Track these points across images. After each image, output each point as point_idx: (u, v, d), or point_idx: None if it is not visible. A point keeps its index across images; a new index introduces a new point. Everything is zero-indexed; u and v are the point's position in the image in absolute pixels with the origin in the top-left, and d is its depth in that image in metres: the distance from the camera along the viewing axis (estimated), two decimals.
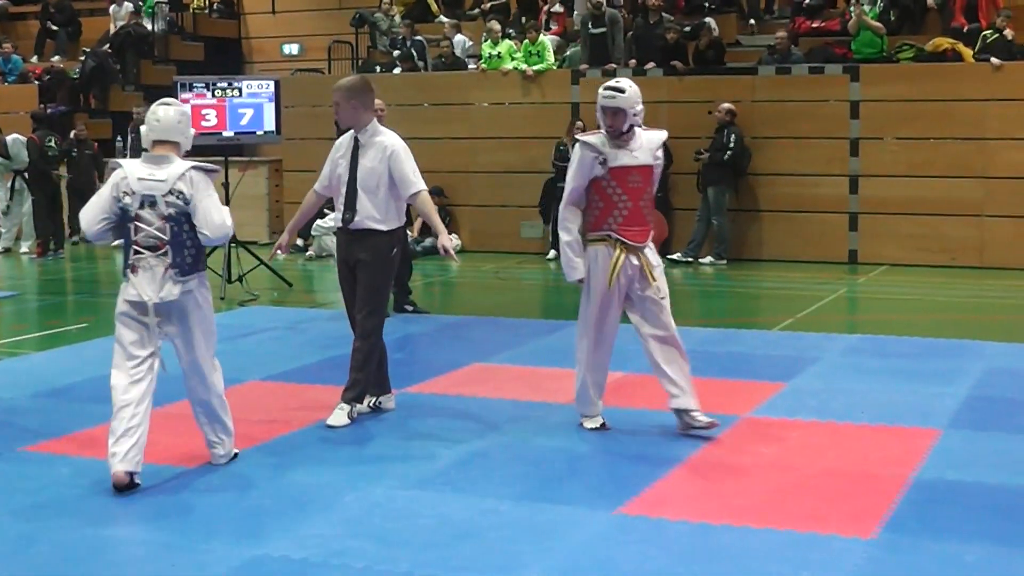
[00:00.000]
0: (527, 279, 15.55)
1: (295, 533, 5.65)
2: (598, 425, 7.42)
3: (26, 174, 17.63)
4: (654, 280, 7.18)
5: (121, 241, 6.60)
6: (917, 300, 13.41)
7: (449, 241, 7.46)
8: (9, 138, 17.85)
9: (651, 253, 7.30)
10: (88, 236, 6.64)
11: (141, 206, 6.42)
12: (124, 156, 18.21)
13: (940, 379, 8.92)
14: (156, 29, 21.65)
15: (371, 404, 7.95)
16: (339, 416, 7.66)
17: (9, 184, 17.94)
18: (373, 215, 7.62)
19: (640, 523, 5.78)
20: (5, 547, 5.55)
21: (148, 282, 6.42)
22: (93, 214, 6.54)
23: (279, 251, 8.11)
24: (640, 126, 7.29)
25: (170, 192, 6.42)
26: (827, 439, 7.19)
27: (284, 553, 5.40)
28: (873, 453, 6.91)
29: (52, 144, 17.56)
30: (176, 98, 13.17)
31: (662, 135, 7.41)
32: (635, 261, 7.20)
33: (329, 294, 14.65)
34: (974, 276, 14.85)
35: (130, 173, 6.49)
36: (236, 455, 6.90)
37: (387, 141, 7.65)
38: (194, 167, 6.51)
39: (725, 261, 16.13)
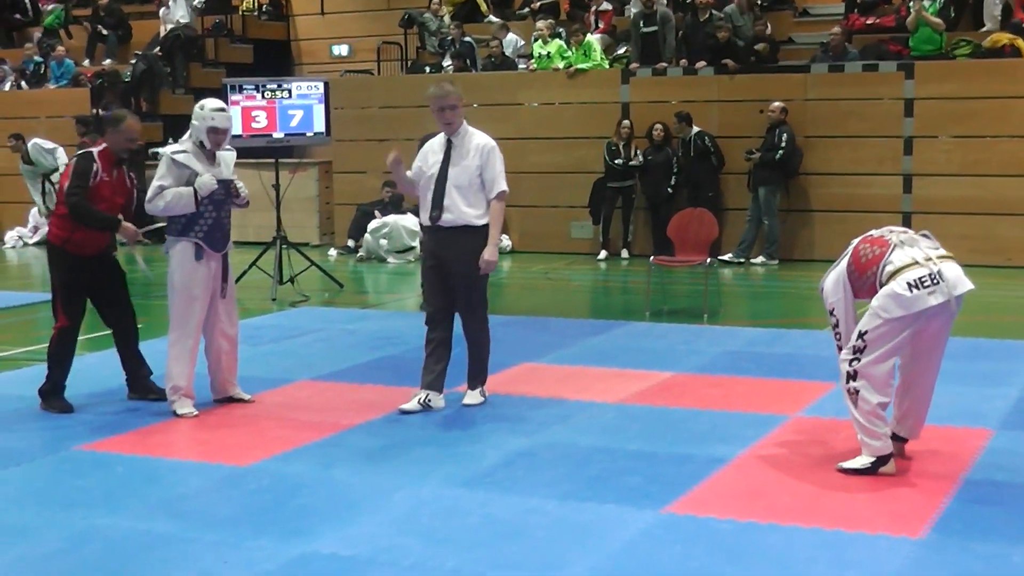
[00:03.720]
0: (576, 280, 15.55)
1: (343, 531, 5.70)
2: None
3: (52, 178, 17.77)
4: None
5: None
6: (969, 301, 13.16)
7: (493, 256, 7.93)
8: (30, 144, 18.11)
9: None
10: None
11: None
12: None
13: (992, 380, 8.84)
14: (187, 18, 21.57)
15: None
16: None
17: (40, 188, 18.27)
18: (467, 212, 7.98)
19: (687, 522, 5.78)
20: (59, 544, 5.63)
21: None
22: None
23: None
24: None
25: None
26: None
27: (333, 550, 5.45)
28: (923, 453, 6.86)
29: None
30: (226, 100, 13.34)
31: None
32: None
33: (380, 295, 14.75)
34: None
35: None
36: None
37: (482, 140, 8.11)
38: None
39: (776, 262, 16.06)
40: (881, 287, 6.45)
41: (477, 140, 8.12)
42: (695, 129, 16.34)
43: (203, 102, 8.14)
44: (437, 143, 8.20)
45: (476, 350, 8.24)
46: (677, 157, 16.45)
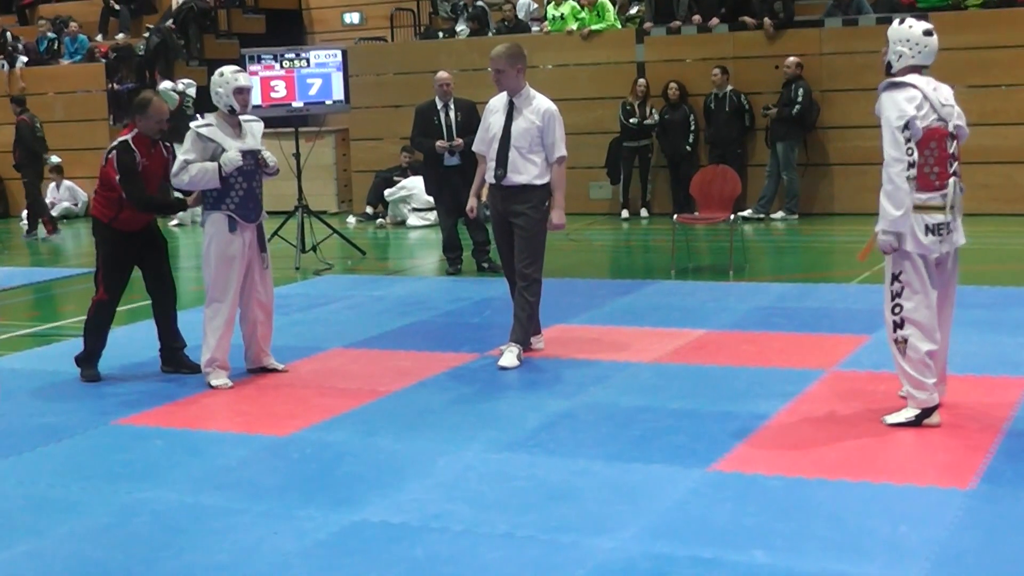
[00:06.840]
0: (598, 240, 15.51)
1: (391, 498, 5.70)
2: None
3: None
4: None
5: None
6: (992, 250, 13.21)
7: (561, 219, 8.28)
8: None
9: None
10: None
11: None
12: None
13: (1023, 328, 8.81)
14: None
15: (518, 355, 8.30)
16: (509, 357, 8.22)
17: None
18: (527, 171, 8.25)
19: (735, 479, 5.77)
20: (107, 519, 5.64)
21: None
22: None
23: (471, 213, 9.26)
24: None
25: None
26: None
27: (383, 518, 5.44)
28: (963, 403, 6.83)
29: (39, 125, 17.53)
30: (244, 70, 13.29)
31: None
32: None
33: (403, 261, 14.74)
34: None
35: None
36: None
37: (544, 104, 8.33)
38: None
39: (796, 216, 16.01)
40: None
41: (539, 103, 8.33)
42: (730, 87, 16.25)
43: (219, 70, 8.17)
44: (499, 102, 8.46)
45: (520, 307, 8.35)
46: (694, 113, 16.39)
